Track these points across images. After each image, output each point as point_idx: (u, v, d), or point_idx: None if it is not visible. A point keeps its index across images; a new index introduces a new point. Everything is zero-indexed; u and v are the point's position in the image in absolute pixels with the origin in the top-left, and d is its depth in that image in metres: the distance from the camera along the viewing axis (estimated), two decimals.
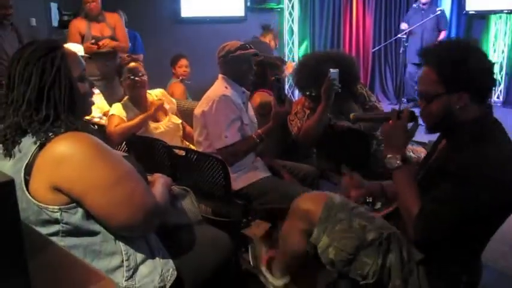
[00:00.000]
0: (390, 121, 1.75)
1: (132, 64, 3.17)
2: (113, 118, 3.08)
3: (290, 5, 8.11)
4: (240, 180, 2.66)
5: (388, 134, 1.74)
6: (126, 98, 3.26)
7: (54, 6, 6.18)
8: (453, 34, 7.73)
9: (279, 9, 8.13)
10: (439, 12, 6.66)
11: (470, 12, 7.43)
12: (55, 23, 6.10)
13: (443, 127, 1.70)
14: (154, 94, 3.37)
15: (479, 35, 7.66)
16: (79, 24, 4.75)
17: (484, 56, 1.62)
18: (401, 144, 1.70)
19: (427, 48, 1.72)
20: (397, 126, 1.72)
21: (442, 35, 6.86)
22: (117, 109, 3.15)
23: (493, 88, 1.68)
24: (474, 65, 1.56)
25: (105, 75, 4.62)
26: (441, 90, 1.59)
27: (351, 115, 2.08)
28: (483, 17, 7.60)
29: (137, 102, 3.22)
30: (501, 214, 1.59)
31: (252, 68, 2.81)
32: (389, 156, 1.69)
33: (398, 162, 1.67)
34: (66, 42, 4.02)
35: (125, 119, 3.07)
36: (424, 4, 6.77)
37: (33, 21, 5.65)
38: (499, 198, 1.49)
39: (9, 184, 0.75)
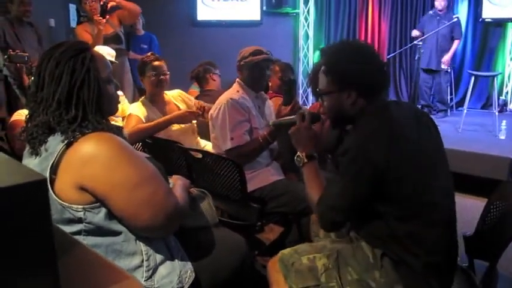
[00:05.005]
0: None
1: (157, 62, 3.21)
2: (131, 118, 3.09)
3: (306, 10, 8.13)
4: (252, 182, 2.67)
5: (294, 135, 1.88)
6: (143, 97, 3.29)
7: (72, 7, 6.25)
8: (469, 42, 7.67)
9: (294, 14, 8.15)
10: (455, 19, 6.61)
11: (487, 20, 7.37)
12: (73, 24, 6.18)
13: (340, 121, 1.84)
14: (171, 95, 3.40)
15: (495, 43, 7.59)
16: (84, 28, 4.83)
17: (373, 56, 1.74)
18: (306, 144, 1.84)
19: (323, 49, 1.89)
20: (301, 127, 1.87)
21: (456, 44, 6.81)
22: (137, 108, 3.17)
23: (385, 86, 1.81)
24: (360, 64, 1.67)
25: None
26: (332, 88, 1.72)
27: (270, 122, 2.23)
28: (500, 24, 7.53)
29: (155, 101, 3.24)
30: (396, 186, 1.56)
31: (265, 73, 2.82)
32: (297, 155, 1.83)
33: (304, 160, 1.81)
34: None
35: (143, 118, 3.08)
36: (440, 11, 6.71)
37: (52, 22, 5.72)
38: (379, 170, 1.52)
39: (42, 183, 0.75)
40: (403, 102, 1.87)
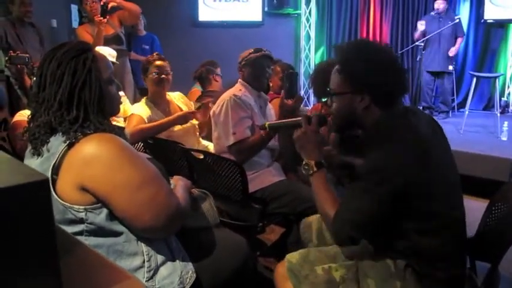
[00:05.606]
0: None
1: (160, 62, 3.22)
2: (133, 118, 3.09)
3: (307, 11, 8.13)
4: (254, 182, 2.67)
5: (299, 140, 1.72)
6: (145, 97, 3.30)
7: (74, 8, 6.26)
8: (471, 43, 7.67)
9: (296, 15, 8.15)
10: (457, 20, 6.60)
11: (489, 21, 7.36)
12: (75, 25, 6.19)
13: (348, 125, 1.71)
14: (173, 96, 3.41)
15: (497, 44, 7.58)
16: (85, 29, 4.83)
17: (392, 60, 1.62)
18: (314, 150, 1.69)
19: (338, 46, 1.71)
20: (308, 132, 1.71)
21: (459, 42, 6.80)
22: (140, 108, 3.17)
23: (402, 94, 1.66)
24: (377, 67, 1.56)
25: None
26: (346, 89, 1.60)
27: (266, 124, 2.09)
28: (502, 25, 7.52)
29: (157, 102, 3.25)
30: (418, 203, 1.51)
31: (266, 71, 2.83)
32: (304, 162, 1.69)
33: (314, 168, 1.67)
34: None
35: (146, 118, 3.09)
36: (440, 12, 6.70)
37: (54, 23, 5.73)
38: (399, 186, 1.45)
39: (44, 183, 0.75)
40: (416, 109, 1.74)
